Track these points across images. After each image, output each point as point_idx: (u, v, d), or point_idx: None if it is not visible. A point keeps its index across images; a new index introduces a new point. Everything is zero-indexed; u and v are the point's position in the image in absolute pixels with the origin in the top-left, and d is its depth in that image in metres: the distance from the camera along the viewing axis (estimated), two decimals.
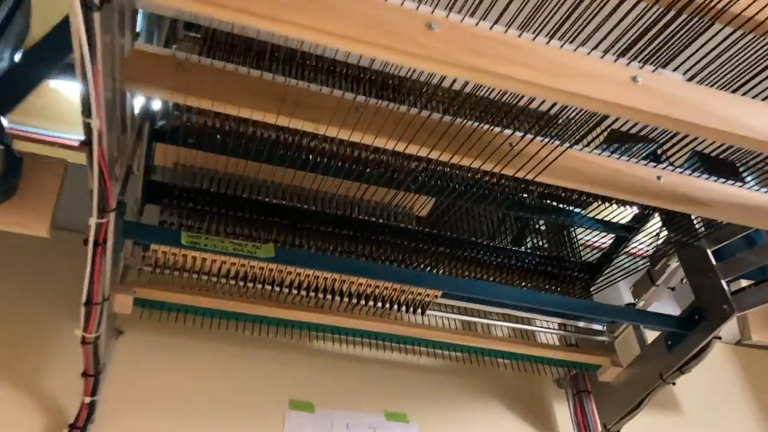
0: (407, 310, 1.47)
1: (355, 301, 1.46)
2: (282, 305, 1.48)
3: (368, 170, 1.29)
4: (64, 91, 1.63)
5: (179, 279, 1.45)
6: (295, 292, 1.45)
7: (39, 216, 1.12)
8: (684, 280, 1.64)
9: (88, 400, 1.41)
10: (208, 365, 1.63)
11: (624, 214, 1.67)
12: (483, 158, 1.08)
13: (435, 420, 1.74)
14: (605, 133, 1.29)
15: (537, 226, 1.78)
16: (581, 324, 1.74)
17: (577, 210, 1.70)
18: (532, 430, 1.81)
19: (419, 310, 1.48)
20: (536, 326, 1.73)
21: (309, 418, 1.63)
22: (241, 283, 1.43)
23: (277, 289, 1.45)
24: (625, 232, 1.71)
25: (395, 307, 1.46)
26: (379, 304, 1.47)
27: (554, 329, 1.75)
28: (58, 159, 1.18)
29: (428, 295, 1.40)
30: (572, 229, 1.83)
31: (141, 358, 1.59)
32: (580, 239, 1.79)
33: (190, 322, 1.55)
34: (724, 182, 1.23)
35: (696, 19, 0.89)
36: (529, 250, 1.72)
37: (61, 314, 1.53)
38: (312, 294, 1.46)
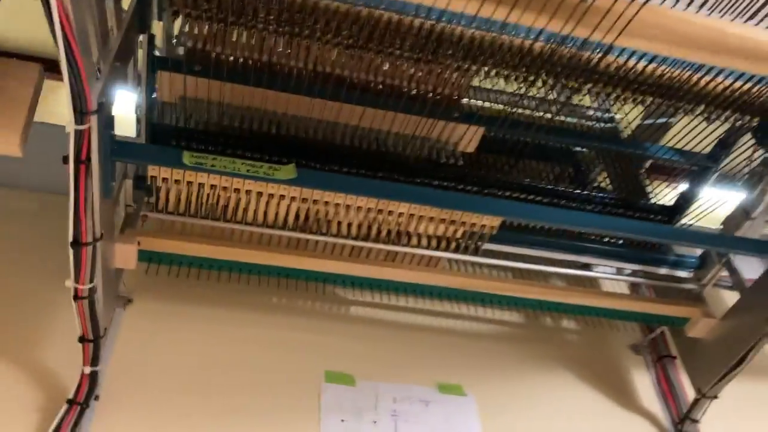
0: (458, 249, 1.22)
1: (395, 242, 1.22)
2: (311, 254, 1.25)
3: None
4: None
5: (190, 227, 1.23)
6: (323, 237, 1.23)
7: (7, 131, 0.91)
8: None
9: (88, 370, 1.20)
10: (229, 335, 1.41)
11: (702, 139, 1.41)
12: (548, 13, 0.84)
13: (494, 393, 1.49)
14: None
15: (602, 163, 1.53)
16: (663, 271, 1.48)
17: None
18: (607, 403, 1.55)
19: (472, 249, 1.24)
20: (606, 275, 1.48)
21: (349, 392, 1.39)
22: (262, 229, 1.21)
23: (304, 236, 1.23)
24: (709, 162, 1.45)
25: (445, 244, 1.22)
26: (424, 243, 1.23)
27: (629, 277, 1.49)
28: (31, 63, 0.97)
29: (484, 227, 1.15)
30: (642, 167, 1.58)
31: (153, 328, 1.38)
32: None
33: (204, 279, 1.34)
34: None
35: None
36: (594, 193, 1.47)
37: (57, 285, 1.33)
38: (345, 238, 1.24)
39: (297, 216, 1.18)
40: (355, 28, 1.08)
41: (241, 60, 1.18)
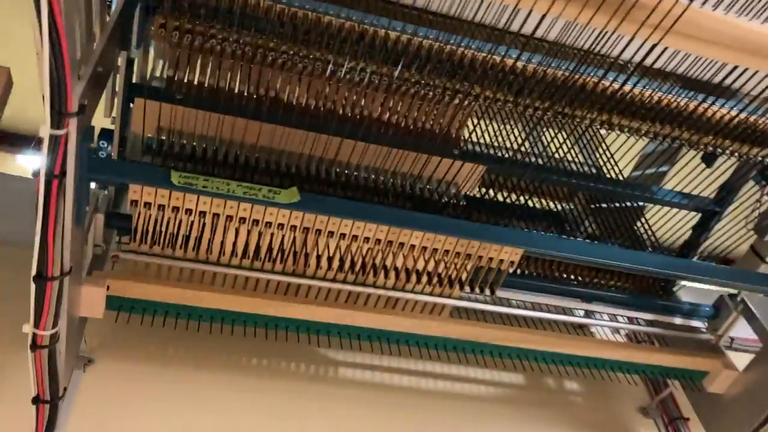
0: (473, 289, 1.11)
1: (399, 286, 1.10)
2: (305, 301, 1.12)
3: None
4: None
5: (167, 270, 1.09)
6: (321, 282, 1.10)
7: None
8: None
9: None
10: (208, 402, 1.24)
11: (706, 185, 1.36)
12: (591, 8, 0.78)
13: None
14: None
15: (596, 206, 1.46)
16: (677, 320, 1.38)
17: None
18: None
19: (487, 288, 1.12)
20: (615, 324, 1.37)
21: None
22: (251, 272, 1.08)
23: (296, 281, 1.10)
24: (716, 206, 1.40)
25: (455, 287, 1.10)
26: (430, 290, 1.11)
27: (638, 327, 1.39)
28: None
29: (502, 262, 1.04)
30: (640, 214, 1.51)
31: (117, 394, 1.20)
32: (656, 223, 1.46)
33: (179, 331, 1.18)
34: None
35: None
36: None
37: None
38: (345, 283, 1.11)
39: (294, 252, 1.05)
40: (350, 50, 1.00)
41: (231, 89, 1.10)
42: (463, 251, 1.00)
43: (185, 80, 1.08)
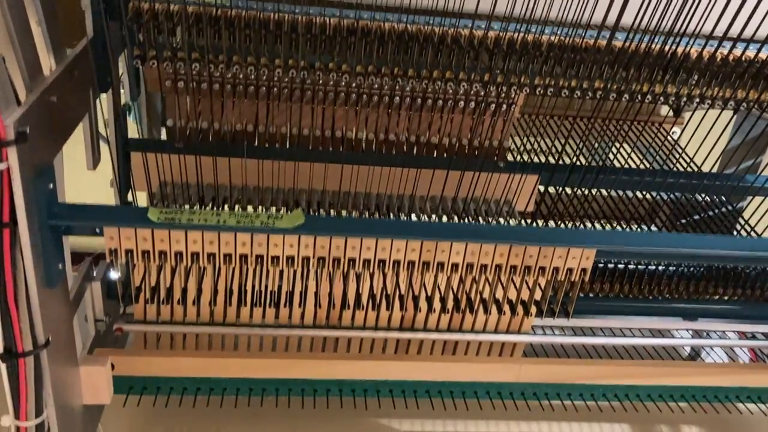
0: (542, 314, 0.89)
1: (453, 314, 0.91)
2: (344, 356, 0.94)
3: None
4: None
5: (180, 339, 0.94)
6: (358, 332, 0.93)
7: None
8: None
9: None
10: None
11: None
12: None
13: None
14: None
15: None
16: None
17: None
18: None
19: (561, 314, 0.91)
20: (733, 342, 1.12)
21: None
22: (272, 330, 0.91)
23: (324, 333, 0.93)
24: None
25: (522, 313, 0.90)
26: (496, 314, 0.91)
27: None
28: None
29: (571, 271, 0.83)
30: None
31: None
32: None
33: (209, 409, 1.01)
34: None
35: None
36: None
37: None
38: (385, 330, 0.93)
39: (315, 296, 0.88)
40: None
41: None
42: (520, 264, 0.81)
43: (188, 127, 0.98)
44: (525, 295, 0.90)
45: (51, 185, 0.71)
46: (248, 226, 0.73)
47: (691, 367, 1.03)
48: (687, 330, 1.08)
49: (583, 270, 0.82)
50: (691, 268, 1.13)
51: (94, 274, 0.90)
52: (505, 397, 0.98)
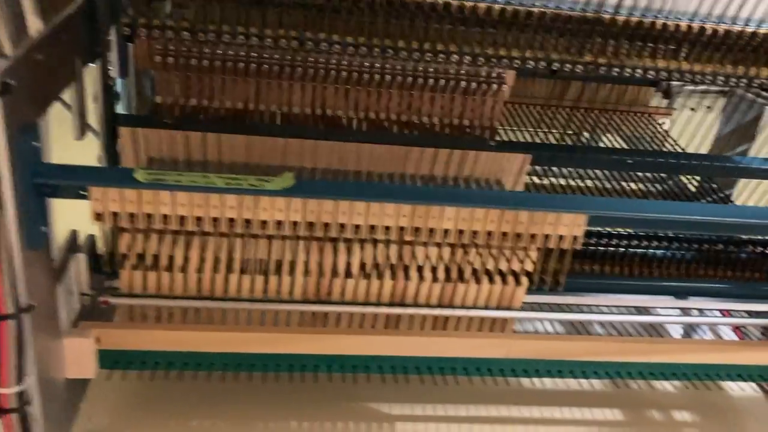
0: (532, 283, 0.88)
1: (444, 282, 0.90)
2: (341, 331, 0.93)
3: None
4: None
5: (168, 313, 0.92)
6: (348, 307, 0.92)
7: None
8: None
9: None
10: None
11: None
12: None
13: None
14: None
15: None
16: None
17: None
18: None
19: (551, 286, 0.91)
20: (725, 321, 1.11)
21: None
22: (265, 305, 0.90)
23: (318, 308, 0.92)
24: None
25: (513, 282, 0.89)
26: (487, 283, 0.90)
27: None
28: None
29: (562, 238, 0.82)
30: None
31: None
32: None
33: (206, 401, 0.99)
34: None
35: None
36: None
37: None
38: (374, 306, 0.92)
39: (306, 265, 0.87)
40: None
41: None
42: (510, 230, 0.80)
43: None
44: (516, 266, 0.89)
45: (36, 144, 0.70)
46: (237, 187, 0.72)
47: (679, 344, 1.03)
48: (677, 308, 1.08)
49: (575, 238, 0.81)
50: (683, 251, 1.13)
51: (80, 246, 0.89)
52: (495, 374, 0.97)
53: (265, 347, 0.91)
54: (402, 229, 0.78)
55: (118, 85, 1.04)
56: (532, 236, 0.80)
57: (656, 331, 1.07)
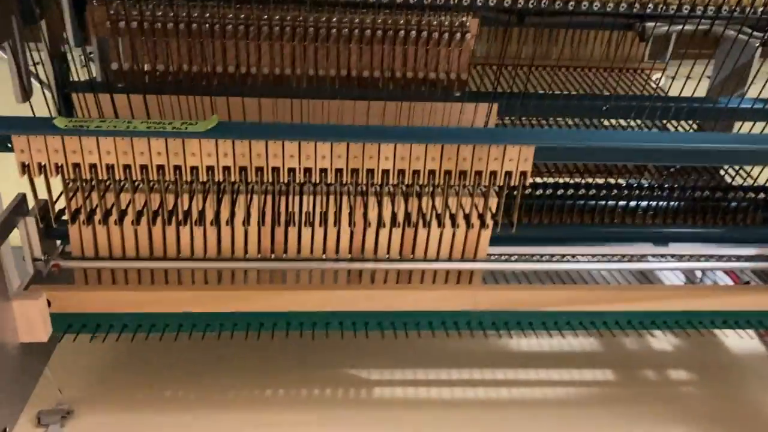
0: (483, 223, 0.84)
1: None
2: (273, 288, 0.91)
3: None
4: None
5: (122, 275, 0.91)
6: (312, 263, 0.89)
7: None
8: None
9: None
10: None
11: None
12: None
13: None
14: None
15: None
16: None
17: None
18: None
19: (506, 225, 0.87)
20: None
21: None
22: (220, 263, 0.88)
23: (278, 266, 0.90)
24: None
25: (464, 224, 0.85)
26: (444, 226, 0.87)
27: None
28: None
29: (509, 175, 0.78)
30: None
31: None
32: None
33: (176, 370, 0.98)
34: None
35: None
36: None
37: None
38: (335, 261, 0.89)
39: (259, 213, 0.84)
40: None
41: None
42: (454, 168, 0.76)
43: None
44: (469, 208, 0.86)
45: None
46: (160, 131, 0.70)
47: (651, 290, 0.97)
48: (658, 255, 1.03)
49: (523, 173, 0.77)
50: (668, 201, 1.08)
51: (29, 210, 0.88)
52: (461, 327, 0.94)
53: (220, 306, 0.89)
54: (339, 171, 0.76)
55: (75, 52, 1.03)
56: (477, 173, 0.77)
57: (641, 281, 1.02)
